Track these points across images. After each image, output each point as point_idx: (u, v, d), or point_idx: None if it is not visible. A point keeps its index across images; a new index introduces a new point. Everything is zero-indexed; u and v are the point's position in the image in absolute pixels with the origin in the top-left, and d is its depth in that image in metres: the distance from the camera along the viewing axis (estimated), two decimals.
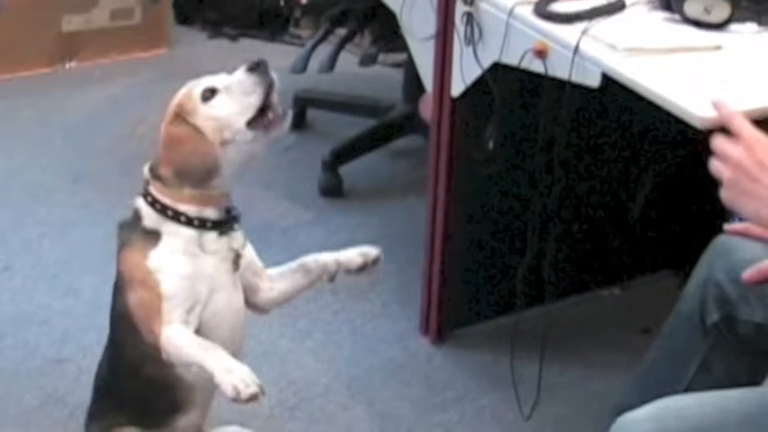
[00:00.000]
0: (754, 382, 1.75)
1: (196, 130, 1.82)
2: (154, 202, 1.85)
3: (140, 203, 1.87)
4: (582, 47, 1.92)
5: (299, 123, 3.56)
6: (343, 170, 3.24)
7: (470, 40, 2.18)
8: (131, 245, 1.86)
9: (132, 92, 3.85)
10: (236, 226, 1.91)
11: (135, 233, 1.86)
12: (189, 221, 1.84)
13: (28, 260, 2.88)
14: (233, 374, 1.70)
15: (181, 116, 1.84)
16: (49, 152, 3.44)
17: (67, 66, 4.00)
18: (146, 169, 1.89)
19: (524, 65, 2.05)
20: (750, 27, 2.00)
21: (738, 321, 1.72)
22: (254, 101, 1.81)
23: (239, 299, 1.94)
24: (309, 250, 2.91)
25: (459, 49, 2.22)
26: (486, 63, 2.17)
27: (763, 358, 1.77)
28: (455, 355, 2.56)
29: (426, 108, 2.73)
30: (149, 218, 1.85)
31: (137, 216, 1.87)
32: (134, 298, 1.84)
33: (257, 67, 1.82)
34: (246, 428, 2.23)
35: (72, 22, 3.96)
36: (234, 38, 4.31)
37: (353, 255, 1.98)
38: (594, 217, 2.68)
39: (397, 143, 3.38)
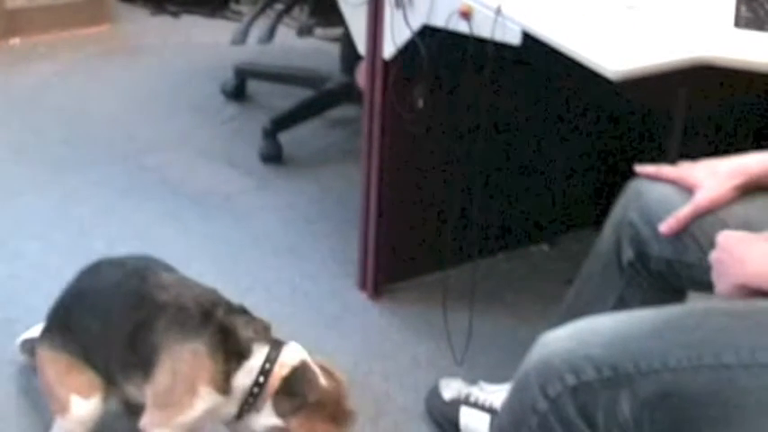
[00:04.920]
0: None
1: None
2: (262, 384, 1.91)
3: (257, 362, 1.91)
4: (503, 8, 2.01)
5: (240, 94, 3.65)
6: (283, 138, 3.30)
7: (400, 4, 2.25)
8: (207, 365, 1.89)
9: (76, 68, 3.89)
10: None
11: (221, 368, 1.89)
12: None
13: None
14: None
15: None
16: None
17: (11, 42, 4.02)
18: (291, 360, 1.94)
19: (451, 26, 2.13)
20: None
21: (651, 258, 1.82)
22: None
23: None
24: (251, 214, 3.01)
25: (390, 12, 2.30)
26: (416, 25, 2.24)
27: (674, 293, 1.87)
28: (391, 308, 2.65)
29: (363, 77, 2.80)
30: (245, 381, 1.91)
31: (241, 356, 1.91)
32: (168, 381, 1.90)
33: None
34: None
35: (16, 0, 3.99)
36: (176, 14, 4.35)
37: None
38: (522, 175, 2.78)
39: (334, 112, 3.46)
